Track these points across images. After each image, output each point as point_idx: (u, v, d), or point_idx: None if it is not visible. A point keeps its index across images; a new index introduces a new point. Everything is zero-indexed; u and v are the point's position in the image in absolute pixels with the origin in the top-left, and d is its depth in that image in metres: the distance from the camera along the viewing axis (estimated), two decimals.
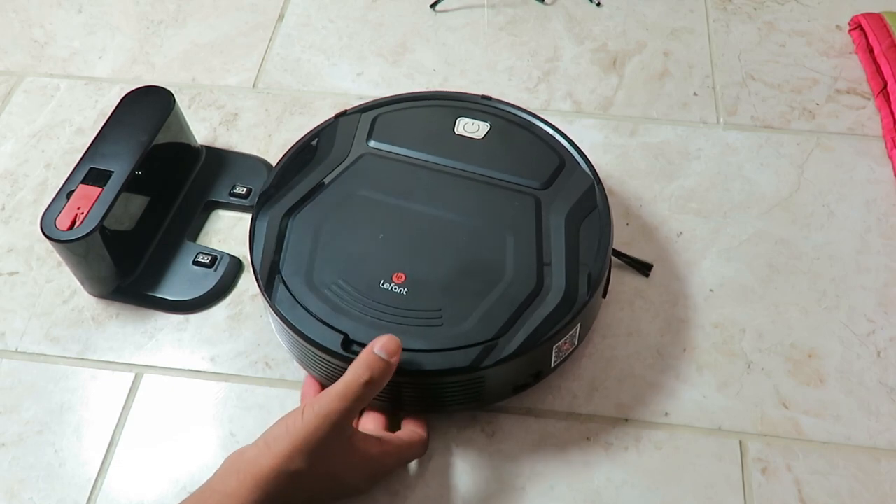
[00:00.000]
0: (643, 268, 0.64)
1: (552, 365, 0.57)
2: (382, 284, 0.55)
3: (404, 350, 0.52)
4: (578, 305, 0.54)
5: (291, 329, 0.54)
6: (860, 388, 0.58)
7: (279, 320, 0.55)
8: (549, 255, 0.56)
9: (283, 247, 0.57)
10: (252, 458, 0.47)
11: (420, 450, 0.54)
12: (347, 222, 0.58)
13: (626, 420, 0.57)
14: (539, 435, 0.57)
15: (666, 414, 0.58)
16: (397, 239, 0.57)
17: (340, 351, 0.52)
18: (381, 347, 0.48)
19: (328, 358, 0.53)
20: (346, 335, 0.53)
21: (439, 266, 0.56)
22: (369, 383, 0.47)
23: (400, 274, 0.55)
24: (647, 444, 0.56)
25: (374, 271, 0.55)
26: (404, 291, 0.54)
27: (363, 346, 0.52)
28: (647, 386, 0.59)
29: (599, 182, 0.60)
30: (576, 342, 0.58)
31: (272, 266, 0.56)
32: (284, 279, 0.55)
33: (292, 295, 0.55)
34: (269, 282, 0.55)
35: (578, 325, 0.55)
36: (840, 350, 0.60)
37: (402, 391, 0.55)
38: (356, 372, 0.47)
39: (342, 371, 0.54)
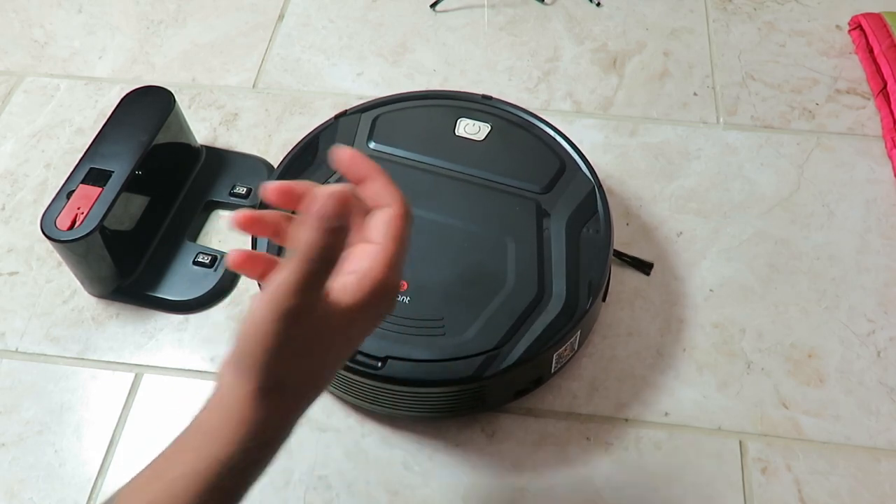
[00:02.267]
0: (644, 267, 0.64)
1: (552, 370, 0.57)
2: None
3: (406, 360, 0.52)
4: (579, 313, 0.54)
5: None
6: (860, 388, 0.58)
7: None
8: (549, 261, 0.56)
9: (285, 255, 0.57)
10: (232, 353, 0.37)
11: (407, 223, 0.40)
12: None
13: (626, 420, 0.57)
14: (539, 435, 0.57)
15: (666, 414, 0.58)
16: None
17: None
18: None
19: None
20: None
21: (441, 273, 0.55)
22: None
23: (402, 282, 0.55)
24: (647, 444, 0.56)
25: None
26: (407, 300, 0.54)
27: (367, 356, 0.52)
28: (647, 386, 0.59)
29: (600, 186, 0.60)
30: (576, 347, 0.58)
31: None
32: None
33: None
34: None
35: (579, 332, 0.55)
36: (840, 350, 0.60)
37: (404, 399, 0.55)
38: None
39: (347, 381, 0.54)
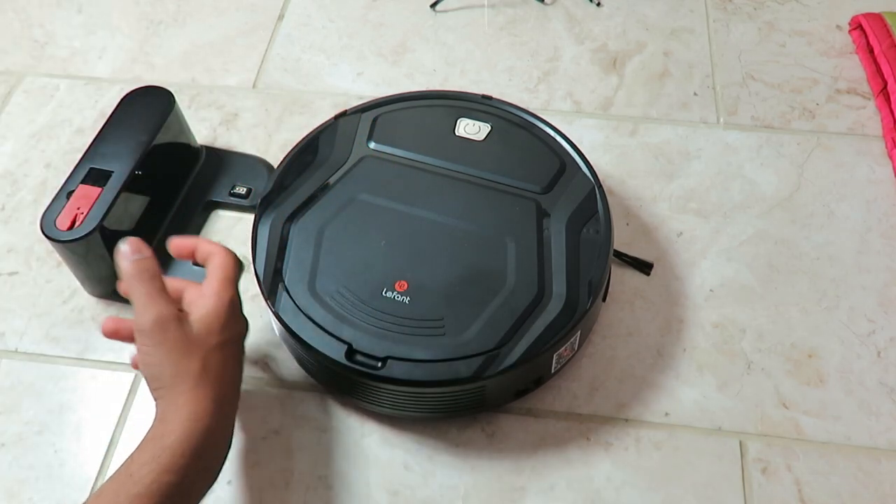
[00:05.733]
0: (644, 267, 0.64)
1: (552, 371, 0.57)
2: (385, 292, 0.54)
3: (407, 360, 0.52)
4: (579, 313, 0.54)
5: (295, 338, 0.54)
6: (860, 388, 0.58)
7: (282, 328, 0.55)
8: (549, 261, 0.56)
9: (286, 253, 0.57)
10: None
11: (233, 268, 0.53)
12: (349, 228, 0.58)
13: (626, 420, 0.57)
14: (539, 435, 0.57)
15: (666, 414, 0.58)
16: (399, 245, 0.57)
17: (345, 361, 0.52)
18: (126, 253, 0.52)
19: (332, 367, 0.53)
20: (349, 345, 0.52)
21: (441, 273, 0.55)
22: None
23: (402, 282, 0.55)
24: (647, 444, 0.56)
25: (377, 279, 0.55)
26: (406, 300, 0.54)
27: (367, 355, 0.52)
28: (647, 386, 0.59)
29: (600, 186, 0.60)
30: (576, 348, 0.58)
31: (275, 273, 0.56)
32: (287, 287, 0.55)
33: (295, 303, 0.54)
34: (272, 289, 0.55)
35: (579, 332, 0.55)
36: (840, 350, 0.60)
37: (404, 399, 0.55)
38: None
39: (347, 381, 0.54)
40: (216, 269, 0.52)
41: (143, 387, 0.60)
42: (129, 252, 0.51)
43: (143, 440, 0.46)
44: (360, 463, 0.56)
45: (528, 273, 0.55)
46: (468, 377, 0.51)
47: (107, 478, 0.55)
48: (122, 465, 0.45)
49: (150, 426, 0.47)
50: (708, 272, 0.65)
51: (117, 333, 0.53)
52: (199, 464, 0.46)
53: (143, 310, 0.49)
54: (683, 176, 0.71)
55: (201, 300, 0.51)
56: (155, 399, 0.48)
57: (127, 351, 0.62)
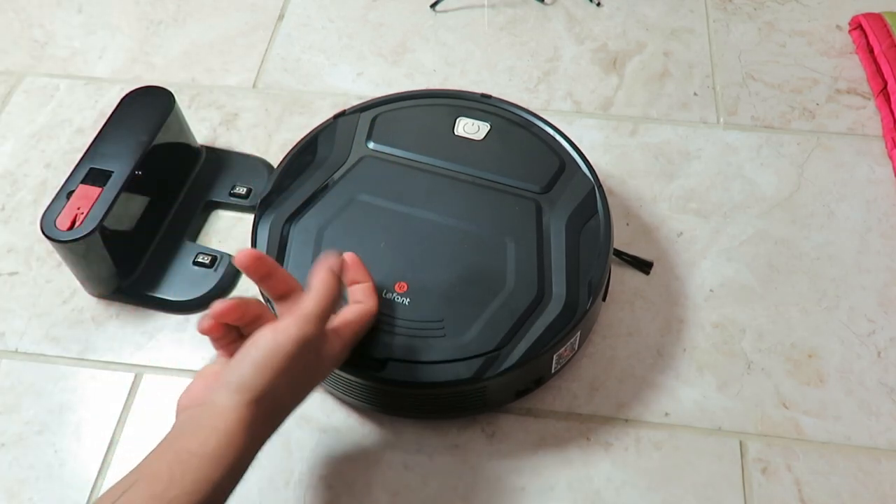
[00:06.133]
0: (644, 266, 0.64)
1: (553, 371, 0.57)
2: (385, 294, 0.54)
3: (407, 361, 0.52)
4: (579, 314, 0.54)
5: None
6: (860, 388, 0.58)
7: None
8: (549, 261, 0.56)
9: (286, 255, 0.57)
10: (231, 383, 0.43)
11: (371, 317, 0.52)
12: (349, 229, 0.58)
13: (626, 420, 0.57)
14: (539, 435, 0.57)
15: (666, 414, 0.58)
16: (399, 247, 0.57)
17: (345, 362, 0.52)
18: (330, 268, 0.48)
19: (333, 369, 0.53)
20: None
21: (441, 274, 0.55)
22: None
23: (402, 283, 0.55)
24: (647, 444, 0.56)
25: (377, 280, 0.55)
26: (407, 301, 0.54)
27: (367, 357, 0.52)
28: (647, 386, 0.59)
29: (600, 186, 0.60)
30: (576, 348, 0.58)
31: None
32: None
33: None
34: None
35: (579, 332, 0.55)
36: (840, 350, 0.60)
37: (405, 400, 0.55)
38: (322, 293, 0.47)
39: (347, 382, 0.54)
40: (359, 316, 0.51)
41: (143, 387, 0.60)
42: (342, 262, 0.51)
43: (179, 443, 0.42)
44: (360, 463, 0.56)
45: (528, 273, 0.55)
46: (468, 378, 0.51)
47: (107, 479, 0.55)
48: (149, 469, 0.41)
49: (188, 418, 0.43)
50: (708, 272, 0.65)
51: (242, 309, 0.47)
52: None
53: (307, 319, 0.44)
54: (683, 176, 0.71)
55: (349, 333, 0.50)
56: (217, 387, 0.43)
57: (127, 350, 0.62)
